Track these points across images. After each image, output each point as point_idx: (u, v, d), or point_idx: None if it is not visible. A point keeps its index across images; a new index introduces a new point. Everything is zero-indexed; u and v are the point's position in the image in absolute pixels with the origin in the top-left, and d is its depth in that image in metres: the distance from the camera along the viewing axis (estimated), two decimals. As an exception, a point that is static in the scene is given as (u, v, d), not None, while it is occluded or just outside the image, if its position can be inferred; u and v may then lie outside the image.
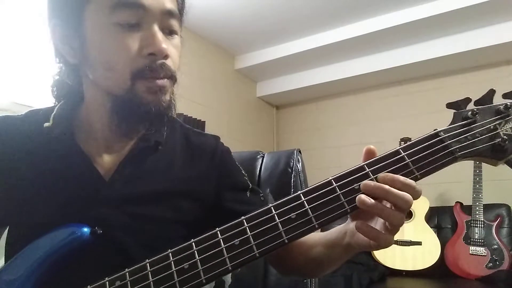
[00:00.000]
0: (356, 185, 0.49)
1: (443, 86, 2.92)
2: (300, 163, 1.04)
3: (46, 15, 0.62)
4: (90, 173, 0.63)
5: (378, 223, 0.52)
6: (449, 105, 0.54)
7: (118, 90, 0.59)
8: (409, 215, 2.36)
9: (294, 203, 0.50)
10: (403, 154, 0.50)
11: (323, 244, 0.61)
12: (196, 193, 0.69)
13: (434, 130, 0.51)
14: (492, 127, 0.50)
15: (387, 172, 0.49)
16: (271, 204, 0.50)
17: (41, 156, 0.63)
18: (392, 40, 2.72)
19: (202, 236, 0.50)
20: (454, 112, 0.53)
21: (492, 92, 0.53)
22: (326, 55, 2.95)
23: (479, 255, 2.14)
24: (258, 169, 1.07)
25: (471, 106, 0.54)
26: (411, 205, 0.47)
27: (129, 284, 0.49)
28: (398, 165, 0.49)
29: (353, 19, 2.64)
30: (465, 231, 2.24)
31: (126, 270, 0.51)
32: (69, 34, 0.60)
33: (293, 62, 3.07)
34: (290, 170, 1.02)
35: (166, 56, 0.60)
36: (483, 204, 2.23)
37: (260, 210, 0.50)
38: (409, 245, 2.26)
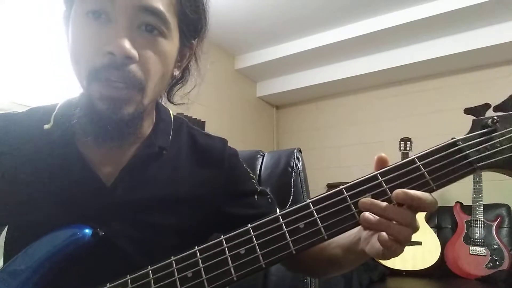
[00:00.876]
0: (368, 195, 0.47)
1: (443, 86, 2.92)
2: (301, 163, 1.04)
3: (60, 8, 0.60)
4: (91, 178, 0.61)
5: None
6: (467, 111, 0.51)
7: (81, 89, 0.55)
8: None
9: (303, 212, 0.48)
10: (419, 163, 0.47)
11: (340, 246, 0.57)
12: (201, 199, 0.67)
13: (452, 138, 0.48)
14: None
15: (401, 182, 0.47)
16: (279, 212, 0.48)
17: (41, 157, 0.61)
18: (392, 40, 2.72)
19: (207, 244, 0.49)
20: (473, 119, 0.50)
21: None
22: (326, 55, 2.95)
23: (479, 255, 2.14)
24: (258, 168, 1.07)
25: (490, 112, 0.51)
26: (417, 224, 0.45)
27: None
28: (412, 176, 0.47)
29: (353, 19, 2.64)
30: (465, 231, 2.24)
31: (128, 276, 0.50)
32: (66, 25, 0.58)
33: (293, 62, 3.07)
34: (290, 169, 1.02)
35: (129, 58, 0.51)
36: (483, 204, 2.23)
37: (268, 218, 0.48)
38: (409, 245, 2.26)
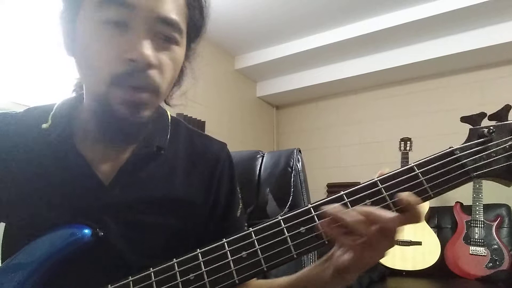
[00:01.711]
0: (368, 201, 0.48)
1: (443, 86, 2.92)
2: (300, 163, 1.04)
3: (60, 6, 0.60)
4: (89, 178, 0.61)
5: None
6: (464, 119, 0.53)
7: (94, 94, 0.56)
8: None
9: (304, 217, 0.49)
10: (417, 171, 0.49)
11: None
12: (196, 201, 0.67)
13: (450, 147, 0.50)
14: (508, 146, 0.49)
15: (400, 189, 0.48)
16: (280, 217, 0.49)
17: (39, 156, 0.61)
18: (392, 40, 2.72)
19: (209, 247, 0.49)
20: (470, 129, 0.52)
21: (507, 108, 0.51)
22: (326, 55, 2.95)
23: (479, 255, 2.14)
24: (258, 168, 1.07)
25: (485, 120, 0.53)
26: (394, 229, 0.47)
27: None
28: (411, 183, 0.49)
29: (353, 19, 2.64)
30: (465, 231, 2.24)
31: (130, 278, 0.50)
32: (68, 27, 0.58)
33: (293, 62, 3.07)
34: (290, 169, 1.02)
35: (150, 65, 0.53)
36: (483, 204, 2.24)
37: (269, 222, 0.49)
38: (409, 245, 2.27)
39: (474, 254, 2.15)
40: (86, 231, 0.56)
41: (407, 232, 2.29)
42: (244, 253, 0.47)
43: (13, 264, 0.56)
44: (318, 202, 0.49)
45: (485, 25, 2.49)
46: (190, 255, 0.49)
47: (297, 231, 0.48)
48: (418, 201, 0.47)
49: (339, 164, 3.28)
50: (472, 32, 2.55)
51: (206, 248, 0.49)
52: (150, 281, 0.49)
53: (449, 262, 2.21)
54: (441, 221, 2.44)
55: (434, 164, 0.49)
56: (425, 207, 2.38)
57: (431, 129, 2.85)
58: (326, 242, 0.48)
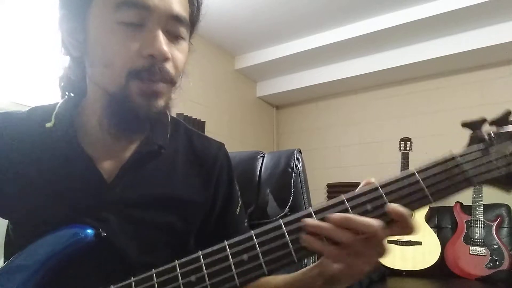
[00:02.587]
0: (369, 206, 0.48)
1: (443, 86, 2.92)
2: (301, 163, 1.04)
3: (57, 5, 0.61)
4: (93, 175, 0.62)
5: None
6: (465, 125, 0.52)
7: (112, 88, 0.58)
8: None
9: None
10: (419, 177, 0.49)
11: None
12: (195, 199, 0.68)
13: (451, 155, 0.50)
14: (509, 153, 0.49)
15: (401, 194, 0.48)
16: (281, 221, 0.49)
17: (43, 155, 0.62)
18: (392, 40, 2.72)
19: (210, 249, 0.50)
20: (471, 134, 0.52)
21: (508, 113, 0.51)
22: (326, 55, 2.95)
23: (479, 255, 2.14)
24: (258, 169, 1.07)
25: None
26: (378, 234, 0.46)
27: None
28: (412, 189, 0.49)
29: (353, 19, 2.64)
30: (465, 231, 2.24)
31: (132, 279, 0.50)
32: (75, 27, 0.59)
33: (293, 62, 3.07)
34: (290, 170, 1.02)
35: (166, 59, 0.58)
36: (483, 204, 2.24)
37: (270, 226, 0.49)
38: (409, 245, 2.27)
39: (474, 254, 2.15)
40: (89, 231, 0.56)
41: (407, 232, 2.28)
42: (245, 256, 0.48)
43: (16, 264, 0.56)
44: (318, 208, 0.49)
45: (485, 25, 2.49)
46: (191, 257, 0.49)
47: (298, 235, 0.48)
48: (407, 213, 0.46)
49: (339, 164, 3.28)
50: (472, 32, 2.55)
51: (208, 250, 0.49)
52: (152, 282, 0.49)
53: (449, 262, 2.21)
54: (441, 221, 2.44)
55: (435, 171, 0.49)
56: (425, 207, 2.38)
57: (431, 129, 2.85)
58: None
